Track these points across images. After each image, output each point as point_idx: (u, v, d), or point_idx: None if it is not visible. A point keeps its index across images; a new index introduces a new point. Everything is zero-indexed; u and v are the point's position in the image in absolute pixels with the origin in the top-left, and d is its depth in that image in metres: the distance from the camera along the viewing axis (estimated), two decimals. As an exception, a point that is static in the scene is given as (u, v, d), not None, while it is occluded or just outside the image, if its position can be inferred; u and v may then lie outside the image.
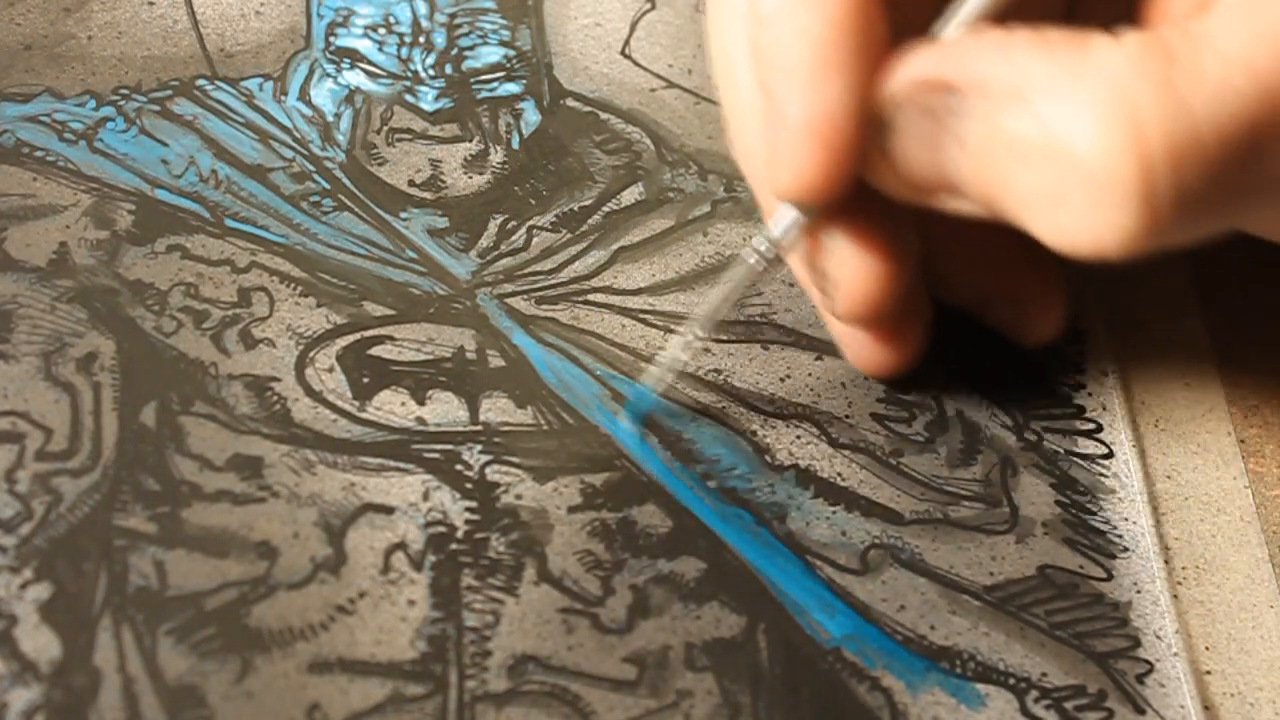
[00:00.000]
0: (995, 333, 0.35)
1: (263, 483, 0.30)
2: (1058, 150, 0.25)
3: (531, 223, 0.36)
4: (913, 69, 0.27)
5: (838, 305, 0.31)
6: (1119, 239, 0.25)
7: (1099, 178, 0.24)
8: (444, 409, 0.32)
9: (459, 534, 0.30)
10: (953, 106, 0.26)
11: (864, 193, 0.29)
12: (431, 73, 0.39)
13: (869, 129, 0.27)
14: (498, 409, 0.32)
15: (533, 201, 0.37)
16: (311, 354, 0.32)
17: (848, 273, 0.30)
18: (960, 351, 0.35)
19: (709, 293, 0.32)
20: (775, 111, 0.28)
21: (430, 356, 0.33)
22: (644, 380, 0.33)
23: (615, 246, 0.36)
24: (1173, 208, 0.24)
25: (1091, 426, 0.34)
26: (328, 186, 0.36)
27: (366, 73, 0.39)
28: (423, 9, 0.40)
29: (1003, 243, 0.32)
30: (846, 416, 0.33)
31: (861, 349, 0.33)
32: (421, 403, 0.32)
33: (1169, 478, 0.34)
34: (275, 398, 0.31)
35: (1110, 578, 0.32)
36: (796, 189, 0.28)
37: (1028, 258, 0.33)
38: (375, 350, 0.33)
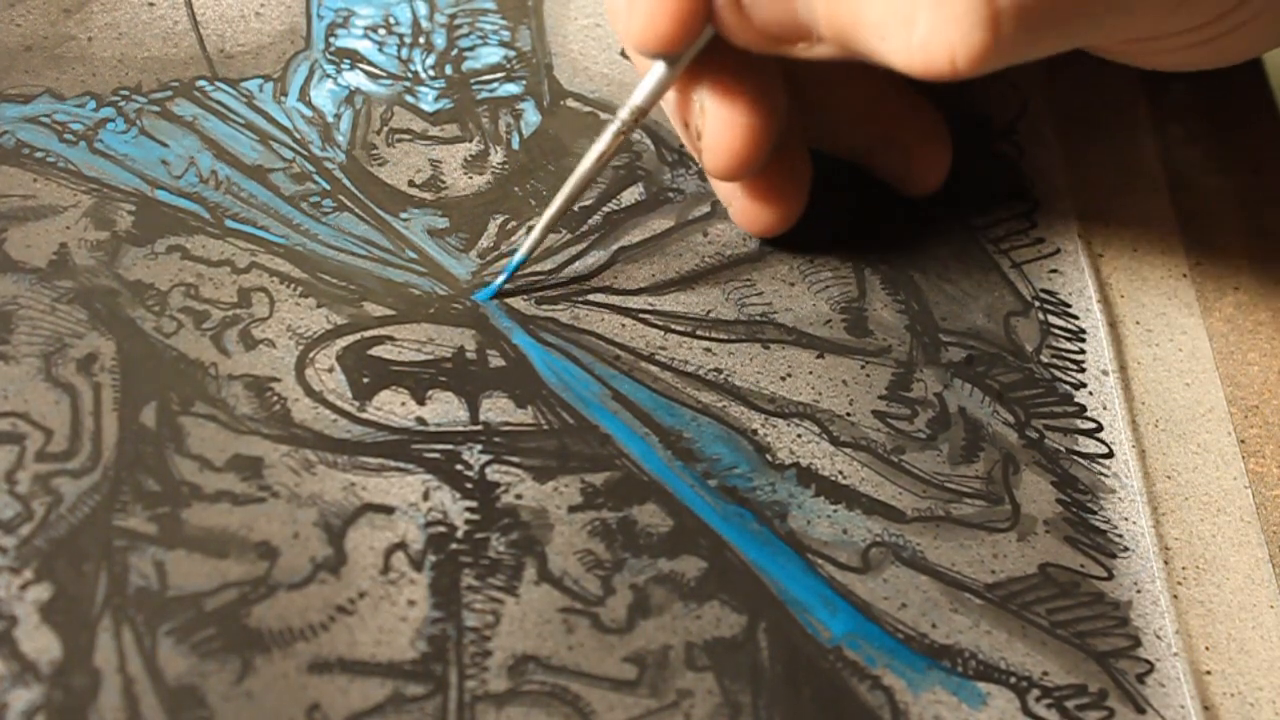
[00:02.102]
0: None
1: (263, 483, 0.30)
2: None
3: (531, 223, 0.36)
4: None
5: (708, 161, 0.32)
6: (969, 53, 0.26)
7: None
8: (444, 409, 0.32)
9: (459, 534, 0.30)
10: None
11: (728, 51, 0.30)
12: (431, 73, 0.39)
13: None
14: (498, 409, 0.32)
15: (533, 202, 0.37)
16: (311, 354, 0.32)
17: (715, 129, 0.32)
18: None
19: (585, 152, 0.33)
20: None
21: (430, 357, 0.33)
22: (521, 250, 0.34)
23: (615, 247, 0.36)
24: (1014, 19, 0.26)
25: (1092, 426, 0.34)
26: (328, 187, 0.36)
27: (366, 73, 0.39)
28: (423, 9, 0.40)
29: (880, 90, 0.34)
30: (848, 414, 0.33)
31: (743, 208, 0.35)
32: (421, 403, 0.32)
33: (1169, 478, 0.34)
34: (275, 398, 0.31)
35: (1111, 577, 0.32)
36: (649, 38, 0.30)
37: (907, 103, 0.35)
38: (375, 350, 0.33)
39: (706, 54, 0.31)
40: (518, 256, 0.34)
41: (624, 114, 0.32)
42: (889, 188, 0.38)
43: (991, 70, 0.27)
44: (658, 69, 0.31)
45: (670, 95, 0.33)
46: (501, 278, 0.34)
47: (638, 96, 0.32)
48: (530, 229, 0.34)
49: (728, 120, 0.32)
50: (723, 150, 0.32)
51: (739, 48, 0.30)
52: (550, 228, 0.34)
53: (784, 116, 0.33)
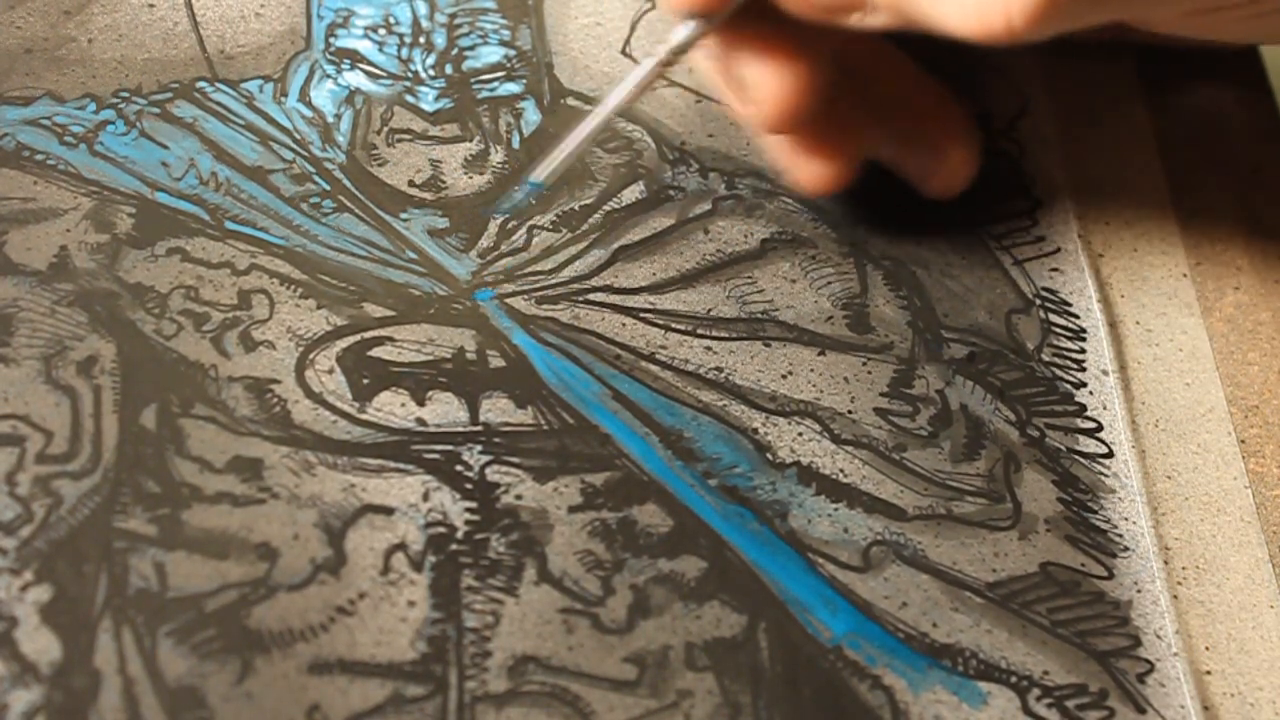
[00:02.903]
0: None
1: (263, 484, 0.30)
2: None
3: (532, 222, 0.36)
4: None
5: (760, 113, 0.32)
6: (1021, 16, 0.26)
7: None
8: (444, 409, 0.32)
9: (459, 534, 0.30)
10: None
11: (768, 5, 0.30)
12: (431, 73, 0.39)
13: None
14: (498, 409, 0.32)
15: (533, 201, 0.36)
16: (311, 356, 0.32)
17: (764, 79, 0.32)
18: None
19: (615, 87, 0.33)
20: None
21: (430, 357, 0.33)
22: (536, 171, 0.34)
23: (615, 245, 0.36)
24: None
25: (1092, 425, 0.34)
26: (328, 188, 0.36)
27: (367, 73, 0.39)
28: (423, 9, 0.40)
29: (912, 86, 0.34)
30: (849, 412, 0.33)
31: (801, 164, 0.35)
32: (421, 403, 0.32)
33: (1169, 478, 0.34)
34: (275, 399, 0.31)
35: (1111, 576, 0.32)
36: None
37: (938, 102, 0.35)
38: (375, 351, 0.33)
39: (748, 13, 0.31)
40: (535, 177, 0.34)
41: (655, 58, 0.32)
42: (889, 186, 0.37)
43: (1047, 34, 0.27)
44: (689, 24, 0.31)
45: (711, 53, 0.33)
46: (520, 194, 0.34)
47: (673, 40, 0.31)
48: (542, 232, 0.35)
49: (774, 72, 0.32)
50: (772, 101, 0.32)
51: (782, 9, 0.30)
52: (575, 155, 0.34)
53: (829, 69, 0.32)
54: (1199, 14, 0.31)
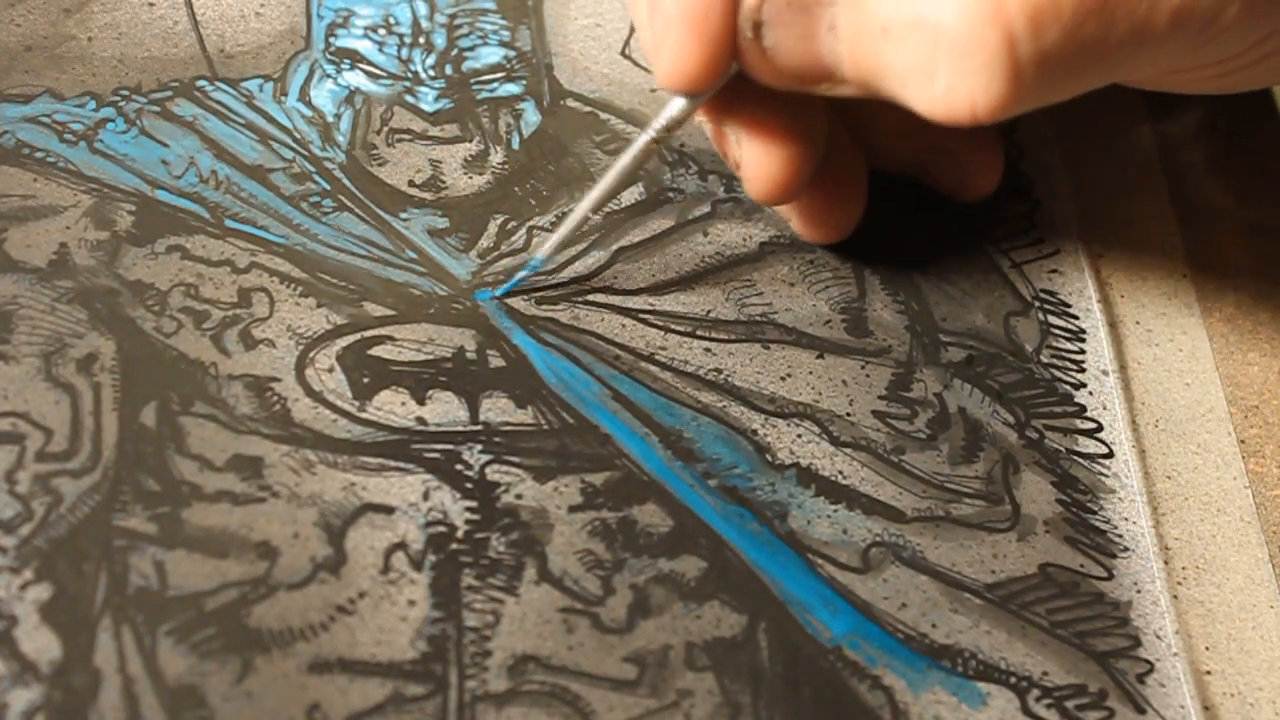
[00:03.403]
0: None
1: (263, 483, 0.30)
2: (925, 26, 0.26)
3: (532, 223, 0.36)
4: None
5: (748, 190, 0.33)
6: (989, 103, 0.26)
7: (965, 48, 0.26)
8: (444, 409, 0.32)
9: (459, 534, 0.30)
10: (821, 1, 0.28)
11: (756, 86, 0.31)
12: (431, 73, 0.39)
13: (744, 25, 0.29)
14: (498, 409, 0.32)
15: (533, 202, 0.37)
16: (311, 354, 0.32)
17: (752, 160, 0.32)
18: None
19: (606, 171, 0.33)
20: (656, 5, 0.29)
21: (430, 356, 0.33)
22: (533, 251, 0.35)
23: (615, 247, 0.36)
24: (1035, 69, 0.26)
25: (1092, 426, 0.34)
26: (328, 187, 0.36)
27: (366, 73, 0.39)
28: (423, 10, 0.40)
29: (804, 156, 0.34)
30: (848, 414, 0.33)
31: (800, 223, 0.36)
32: (422, 403, 0.32)
33: (1169, 478, 0.34)
34: (275, 398, 0.31)
35: (1111, 577, 0.32)
36: (675, 76, 0.30)
37: (832, 176, 0.35)
38: (375, 350, 0.33)
39: (738, 86, 0.31)
40: (532, 262, 0.34)
41: (648, 135, 0.32)
42: (887, 190, 0.37)
43: (1016, 114, 0.27)
44: (678, 100, 0.31)
45: (708, 125, 0.34)
46: (523, 273, 0.34)
47: (661, 120, 0.32)
48: (543, 233, 0.35)
49: (763, 152, 0.32)
50: (760, 180, 0.33)
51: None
52: (566, 241, 0.34)
53: (822, 141, 0.33)
54: (1167, 76, 0.31)
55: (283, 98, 0.38)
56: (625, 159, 0.33)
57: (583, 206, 0.33)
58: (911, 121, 0.35)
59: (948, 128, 0.35)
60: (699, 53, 0.29)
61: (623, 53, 0.40)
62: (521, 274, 0.34)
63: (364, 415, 0.31)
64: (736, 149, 0.33)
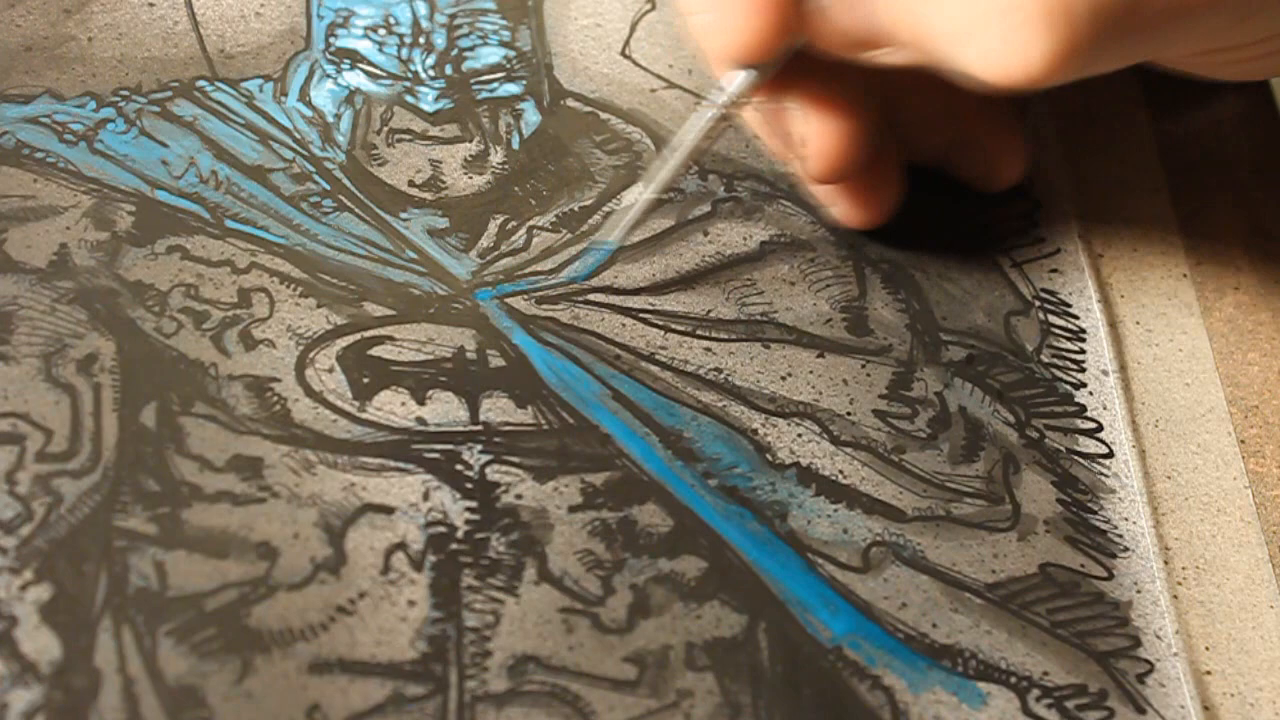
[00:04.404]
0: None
1: (263, 483, 0.30)
2: None
3: (532, 223, 0.36)
4: None
5: (809, 166, 0.33)
6: (1041, 63, 0.26)
7: (1016, 4, 0.26)
8: (444, 409, 0.32)
9: (459, 534, 0.30)
10: None
11: (821, 62, 0.31)
12: (431, 73, 0.39)
13: None
14: (498, 409, 0.32)
15: (533, 202, 0.37)
16: (312, 354, 0.32)
17: (813, 134, 0.32)
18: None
19: (667, 152, 0.33)
20: None
21: (430, 357, 0.33)
22: (602, 234, 0.35)
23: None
24: (1089, 28, 0.26)
25: (1092, 426, 0.34)
26: (328, 187, 0.36)
27: (366, 73, 0.39)
28: (423, 10, 0.40)
29: (954, 93, 0.34)
30: (848, 414, 0.33)
31: (843, 206, 0.36)
32: (422, 403, 0.32)
33: (1169, 478, 0.34)
34: (275, 398, 0.31)
35: (1111, 577, 0.32)
36: (742, 48, 0.30)
37: (984, 104, 0.35)
38: (375, 350, 0.33)
39: (801, 62, 0.31)
40: (606, 246, 0.34)
41: (714, 111, 0.32)
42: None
43: (1065, 80, 0.27)
44: (744, 72, 0.31)
45: (757, 106, 0.34)
46: (594, 256, 0.35)
47: (729, 93, 0.32)
48: (615, 214, 0.35)
49: (830, 125, 0.32)
50: (828, 154, 0.33)
51: (828, 58, 0.31)
52: (638, 222, 0.34)
53: (877, 119, 0.33)
54: (1207, 54, 0.31)
55: (283, 98, 0.38)
56: (693, 137, 0.33)
57: (652, 188, 0.34)
58: (938, 111, 0.36)
59: (974, 114, 0.35)
60: (763, 22, 0.29)
61: (623, 53, 0.40)
62: (595, 258, 0.34)
63: (364, 415, 0.31)
64: (803, 124, 0.33)
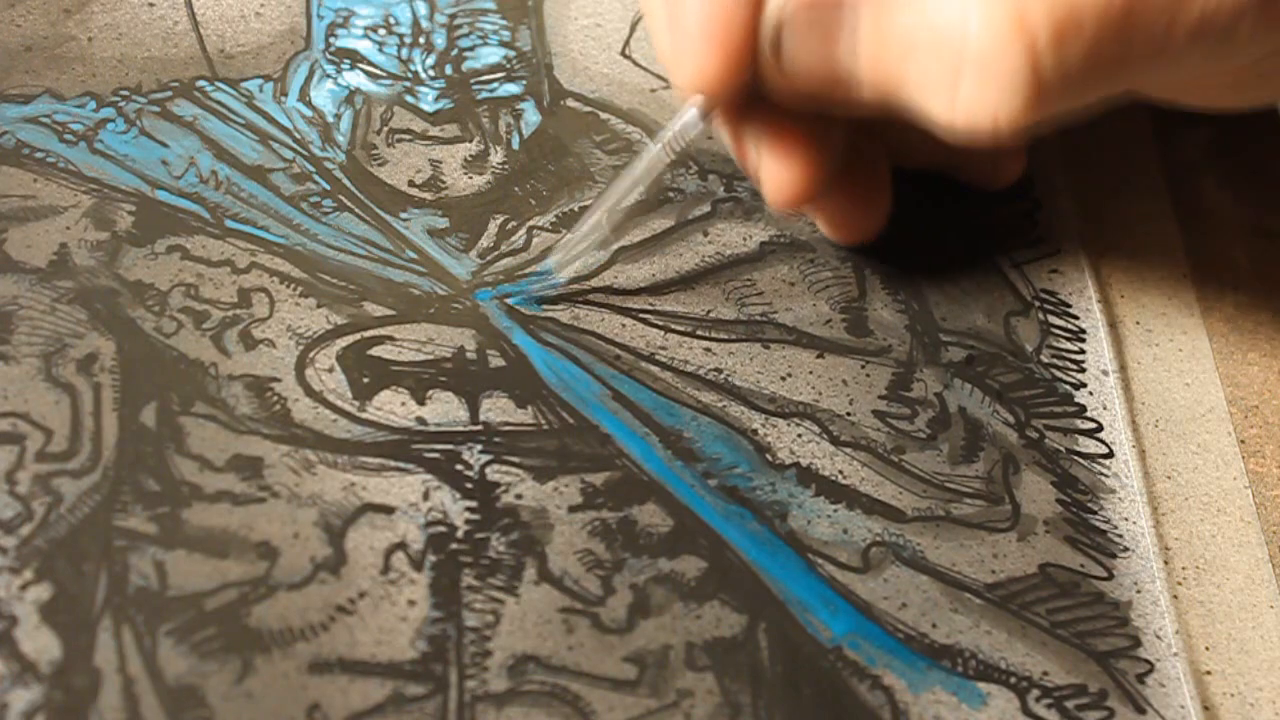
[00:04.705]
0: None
1: (263, 483, 0.30)
2: (948, 39, 0.26)
3: (532, 223, 0.36)
4: None
5: (766, 196, 0.33)
6: (1011, 115, 0.27)
7: (987, 60, 0.26)
8: (444, 409, 0.32)
9: (459, 534, 0.30)
10: (842, 16, 0.28)
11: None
12: (431, 73, 0.39)
13: (765, 32, 0.29)
14: (498, 409, 0.32)
15: (533, 202, 0.37)
16: (312, 354, 0.32)
17: (767, 170, 0.32)
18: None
19: (616, 180, 0.33)
20: (676, 17, 0.30)
21: (430, 356, 0.33)
22: (548, 262, 0.34)
23: (615, 247, 0.36)
24: (1058, 80, 0.26)
25: (1092, 426, 0.34)
26: (328, 187, 0.36)
27: (367, 73, 0.39)
28: (423, 10, 0.40)
29: (829, 156, 0.34)
30: (848, 414, 0.33)
31: (823, 224, 0.36)
32: (422, 403, 0.32)
33: (1169, 478, 0.34)
34: (275, 398, 0.31)
35: (1111, 577, 0.32)
36: (696, 84, 0.30)
37: (862, 174, 0.35)
38: (375, 350, 0.33)
39: (758, 95, 0.31)
40: (541, 271, 0.34)
41: (655, 148, 0.32)
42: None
43: (1030, 128, 0.27)
44: (692, 111, 0.31)
45: (726, 132, 0.34)
46: (534, 284, 0.34)
47: (674, 127, 0.32)
48: (546, 235, 0.35)
49: (780, 160, 0.32)
50: (778, 189, 0.32)
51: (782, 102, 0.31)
52: (576, 252, 0.34)
53: (841, 149, 0.33)
54: (1181, 89, 0.31)
55: (283, 98, 0.38)
56: (637, 169, 0.33)
57: (589, 218, 0.33)
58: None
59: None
60: (719, 62, 0.29)
61: (623, 53, 0.40)
62: (532, 285, 0.34)
63: (364, 415, 0.31)
64: (755, 157, 0.33)
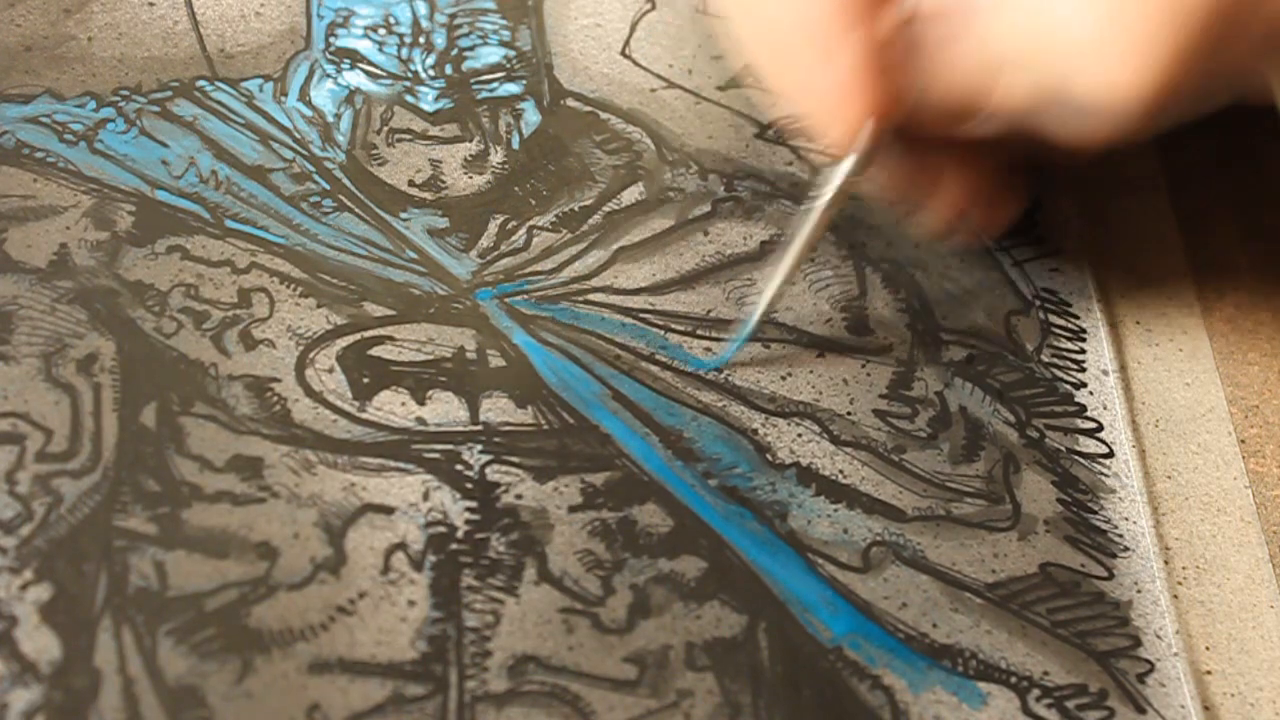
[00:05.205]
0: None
1: (263, 483, 0.30)
2: (1058, 40, 0.28)
3: (532, 223, 0.36)
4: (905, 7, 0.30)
5: (986, 233, 0.36)
6: (1155, 75, 0.27)
7: (1135, 15, 0.27)
8: (444, 409, 0.32)
9: (459, 534, 0.30)
10: (970, 20, 0.29)
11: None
12: (431, 73, 0.39)
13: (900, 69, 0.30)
14: (498, 409, 0.32)
15: (533, 201, 0.37)
16: (312, 354, 0.32)
17: (976, 209, 0.34)
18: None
19: (788, 245, 0.34)
20: (807, 87, 0.31)
21: (430, 357, 0.33)
22: (739, 331, 0.34)
23: (615, 246, 0.36)
24: (1200, 37, 0.27)
25: (1092, 425, 0.34)
26: (328, 187, 0.36)
27: (367, 73, 0.39)
28: (423, 9, 0.40)
29: (976, 173, 0.35)
30: (848, 413, 0.33)
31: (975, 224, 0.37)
32: (421, 403, 0.32)
33: (1169, 478, 0.34)
34: (275, 398, 0.31)
35: (1111, 577, 0.32)
36: (840, 140, 0.31)
37: (997, 178, 0.36)
38: (375, 350, 0.33)
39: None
40: (742, 333, 0.34)
41: (823, 201, 0.32)
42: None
43: (1169, 108, 0.28)
44: (851, 158, 0.32)
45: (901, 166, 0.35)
46: (731, 349, 0.34)
47: (836, 180, 0.32)
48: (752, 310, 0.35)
49: (946, 192, 0.34)
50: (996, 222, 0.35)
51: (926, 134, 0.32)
52: (767, 313, 0.35)
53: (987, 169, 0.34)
54: None
55: (283, 98, 0.38)
56: (806, 229, 0.33)
57: (774, 283, 0.34)
58: (958, 186, 0.36)
59: (983, 189, 0.36)
60: (858, 110, 0.30)
61: (623, 52, 0.40)
62: (735, 344, 0.34)
63: (364, 415, 0.31)
64: (955, 204, 0.34)
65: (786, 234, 0.34)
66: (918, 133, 0.32)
